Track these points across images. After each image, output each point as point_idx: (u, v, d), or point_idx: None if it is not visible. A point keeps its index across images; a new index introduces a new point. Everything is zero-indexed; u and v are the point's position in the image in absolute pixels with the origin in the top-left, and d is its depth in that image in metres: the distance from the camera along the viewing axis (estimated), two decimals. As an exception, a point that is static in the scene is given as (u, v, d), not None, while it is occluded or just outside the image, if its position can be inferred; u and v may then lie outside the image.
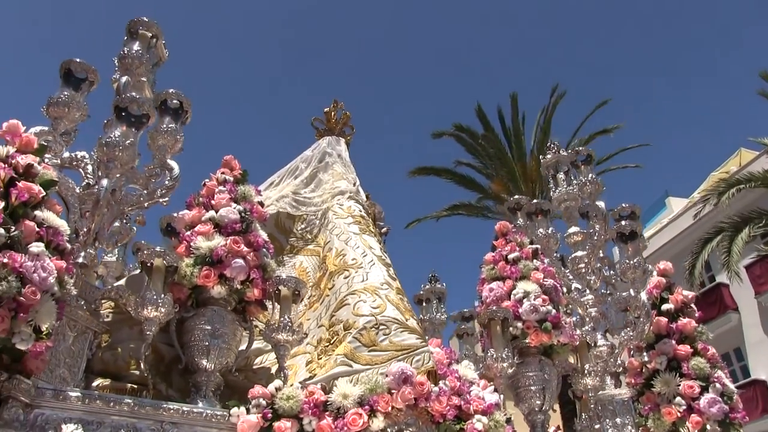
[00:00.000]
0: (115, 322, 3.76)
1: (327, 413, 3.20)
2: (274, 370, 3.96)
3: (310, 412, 3.16)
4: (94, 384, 3.34)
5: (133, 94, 3.60)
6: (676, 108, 56.73)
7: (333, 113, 6.53)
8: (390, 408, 3.29)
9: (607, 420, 4.56)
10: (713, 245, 14.34)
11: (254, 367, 4.01)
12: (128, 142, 3.34)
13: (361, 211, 5.10)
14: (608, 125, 18.58)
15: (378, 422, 3.23)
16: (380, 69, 58.76)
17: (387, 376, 3.41)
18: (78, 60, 3.84)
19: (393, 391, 3.34)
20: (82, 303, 3.39)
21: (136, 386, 3.39)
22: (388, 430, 3.31)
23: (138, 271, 4.21)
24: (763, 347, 18.46)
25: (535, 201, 5.57)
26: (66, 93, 3.72)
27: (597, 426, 4.57)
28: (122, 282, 4.06)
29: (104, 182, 3.26)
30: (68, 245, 3.20)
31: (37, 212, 3.06)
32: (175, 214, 4.28)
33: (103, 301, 3.69)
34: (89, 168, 3.94)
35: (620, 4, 54.53)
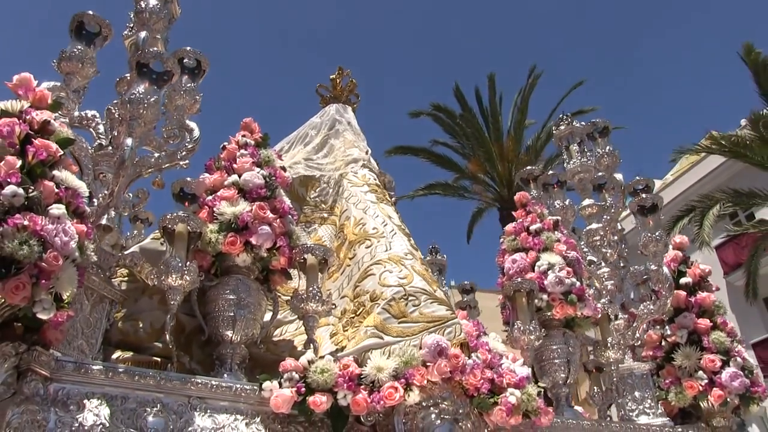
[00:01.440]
0: (128, 291, 3.57)
1: (362, 387, 3.06)
2: (296, 341, 3.82)
3: (345, 386, 3.02)
4: (114, 356, 3.17)
5: (156, 49, 3.36)
6: (650, 91, 57.24)
7: (338, 80, 6.33)
8: (425, 381, 3.18)
9: (626, 394, 4.51)
10: (684, 222, 14.50)
11: (274, 339, 3.85)
12: (153, 99, 3.11)
13: (375, 179, 4.94)
14: (585, 106, 18.62)
15: (414, 396, 3.11)
16: (357, 47, 58.09)
17: (421, 348, 3.28)
18: (91, 13, 3.58)
19: (428, 363, 3.22)
20: (99, 270, 3.21)
21: (159, 359, 3.21)
22: (423, 403, 3.20)
23: (149, 239, 4.02)
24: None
25: (551, 172, 5.46)
26: (79, 47, 3.47)
27: (620, 400, 4.53)
28: (136, 249, 3.85)
29: (128, 141, 3.03)
30: (87, 208, 3.01)
31: (56, 172, 2.86)
32: (188, 179, 4.08)
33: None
34: (100, 128, 3.71)
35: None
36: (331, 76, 6.40)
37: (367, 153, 5.27)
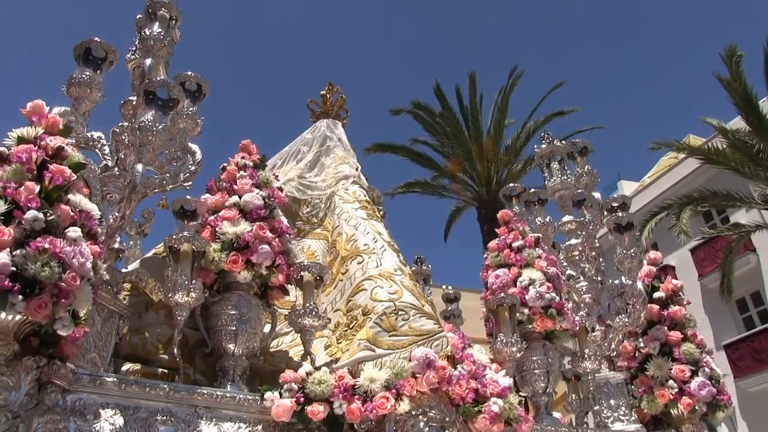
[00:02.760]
0: (132, 305, 3.75)
1: (356, 397, 3.28)
2: (292, 353, 4.03)
3: (341, 396, 3.23)
4: (124, 368, 3.35)
5: (162, 77, 3.56)
6: (629, 94, 58.09)
7: (329, 96, 6.54)
8: (414, 392, 3.40)
9: (602, 401, 4.78)
10: (662, 216, 14.81)
11: (271, 350, 4.05)
12: (161, 127, 3.31)
13: (365, 195, 5.16)
14: (565, 107, 18.79)
15: (404, 405, 3.33)
16: (341, 43, 58.28)
17: (410, 360, 3.51)
18: (98, 39, 3.76)
19: (417, 375, 3.44)
20: (109, 287, 3.39)
21: (166, 371, 3.41)
22: (412, 412, 3.42)
23: (151, 253, 4.21)
24: (704, 327, 19.42)
25: (533, 190, 5.71)
26: (87, 73, 3.65)
27: (596, 407, 4.79)
28: (136, 265, 4.04)
29: (139, 167, 3.23)
30: (99, 230, 3.20)
31: (70, 196, 3.04)
32: (188, 197, 4.28)
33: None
34: (106, 149, 3.88)
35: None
36: (322, 92, 6.61)
37: (357, 169, 5.49)
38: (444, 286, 7.77)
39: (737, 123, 15.25)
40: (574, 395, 5.24)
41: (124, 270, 3.88)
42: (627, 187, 26.25)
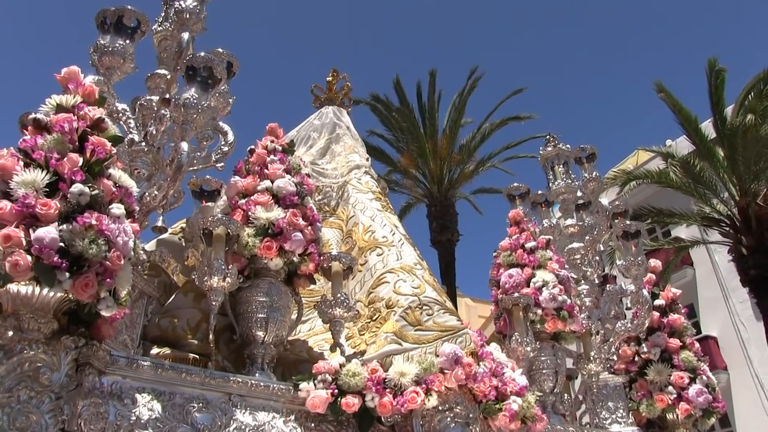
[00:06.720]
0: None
1: (387, 390, 3.26)
2: (311, 342, 3.98)
3: (374, 389, 3.21)
4: (154, 352, 3.25)
5: (203, 53, 3.43)
6: (583, 105, 59.25)
7: (334, 83, 6.49)
8: (443, 387, 3.40)
9: (601, 403, 4.88)
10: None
11: (290, 338, 3.99)
12: (205, 104, 3.20)
13: (377, 186, 5.13)
14: (522, 113, 18.90)
15: (433, 400, 3.32)
16: (301, 31, 57.70)
17: (437, 356, 3.50)
18: (130, 8, 3.62)
19: (446, 371, 3.44)
20: (139, 267, 3.28)
21: (198, 356, 3.31)
22: (439, 407, 3.42)
23: (167, 234, 4.09)
24: (643, 334, 20.19)
25: (540, 192, 5.76)
26: (120, 42, 3.50)
27: (597, 409, 4.89)
28: (153, 244, 3.92)
29: (184, 146, 3.12)
30: (137, 207, 3.09)
31: (111, 170, 2.92)
32: (208, 177, 4.18)
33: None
34: (131, 122, 3.74)
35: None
36: (328, 78, 6.56)
37: (367, 160, 5.45)
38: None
39: (683, 141, 15.80)
40: (566, 395, 5.34)
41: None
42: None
